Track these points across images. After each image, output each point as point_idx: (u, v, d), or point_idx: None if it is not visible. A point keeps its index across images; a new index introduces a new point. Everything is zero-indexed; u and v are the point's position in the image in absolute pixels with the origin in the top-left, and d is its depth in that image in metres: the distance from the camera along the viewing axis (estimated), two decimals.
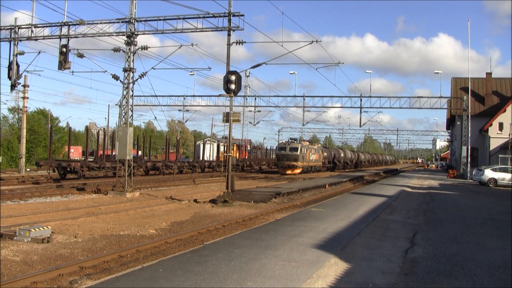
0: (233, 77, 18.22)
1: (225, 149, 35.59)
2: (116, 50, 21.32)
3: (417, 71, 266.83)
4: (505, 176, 30.56)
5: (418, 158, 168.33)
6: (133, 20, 20.32)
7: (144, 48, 21.17)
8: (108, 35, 21.45)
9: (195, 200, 18.80)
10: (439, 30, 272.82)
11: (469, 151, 40.41)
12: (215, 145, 55.92)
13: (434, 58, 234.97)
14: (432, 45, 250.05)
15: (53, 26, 21.91)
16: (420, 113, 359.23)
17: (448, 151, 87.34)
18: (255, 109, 51.28)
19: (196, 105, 46.29)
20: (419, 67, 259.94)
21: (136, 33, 20.43)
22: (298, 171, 44.33)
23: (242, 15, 18.56)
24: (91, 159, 30.96)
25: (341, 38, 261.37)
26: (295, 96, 43.10)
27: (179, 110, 46.43)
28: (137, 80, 20.94)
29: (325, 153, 56.16)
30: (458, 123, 46.53)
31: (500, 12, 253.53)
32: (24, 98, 38.25)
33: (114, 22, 20.99)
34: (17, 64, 23.47)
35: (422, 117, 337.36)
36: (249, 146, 67.29)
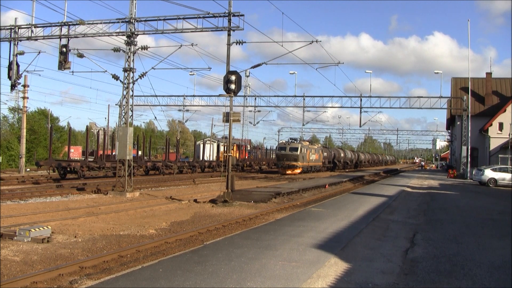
0: (233, 77, 18.21)
1: (225, 149, 35.60)
2: (116, 50, 21.32)
3: (413, 71, 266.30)
4: (505, 176, 30.55)
5: (416, 158, 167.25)
6: (133, 20, 20.31)
7: (144, 48, 21.17)
8: (108, 35, 21.46)
9: (195, 200, 18.80)
10: (434, 29, 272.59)
11: (469, 151, 40.41)
12: (215, 145, 55.92)
13: (430, 57, 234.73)
14: (428, 44, 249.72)
15: (53, 26, 21.91)
16: (418, 113, 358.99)
17: (448, 151, 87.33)
18: (255, 109, 51.33)
19: (196, 105, 46.38)
20: (415, 66, 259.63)
21: (136, 33, 20.43)
22: (298, 171, 44.33)
23: (242, 15, 18.56)
24: (91, 159, 30.96)
25: (335, 37, 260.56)
26: (295, 96, 43.14)
27: (179, 110, 46.52)
28: (137, 80, 20.95)
29: (325, 153, 56.16)
30: (458, 123, 46.54)
31: (493, 11, 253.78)
32: (24, 98, 38.25)
33: (114, 22, 20.99)
34: (17, 64, 23.47)
35: (419, 117, 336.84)
36: (249, 146, 67.32)
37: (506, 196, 23.41)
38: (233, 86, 18.18)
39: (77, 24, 21.32)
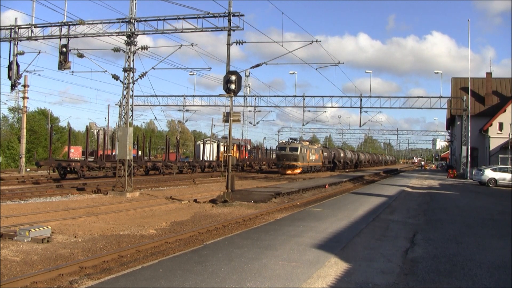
0: (233, 77, 18.21)
1: (225, 149, 35.60)
2: (116, 50, 21.32)
3: (412, 70, 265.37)
4: (505, 176, 30.55)
5: (415, 158, 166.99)
6: (133, 20, 20.31)
7: (144, 48, 21.17)
8: (108, 35, 21.47)
9: (195, 200, 18.80)
10: (432, 28, 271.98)
11: (469, 151, 40.41)
12: (215, 145, 55.92)
13: (428, 57, 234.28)
14: (426, 43, 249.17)
15: (53, 26, 21.91)
16: (417, 113, 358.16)
17: (448, 151, 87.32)
18: (255, 109, 51.30)
19: (196, 105, 46.36)
20: (413, 66, 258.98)
21: (136, 33, 20.43)
22: (298, 171, 44.33)
23: (242, 15, 18.57)
24: (91, 159, 30.95)
25: (333, 37, 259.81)
26: (295, 96, 43.13)
27: (179, 110, 46.53)
28: (137, 80, 20.95)
29: (325, 153, 56.16)
30: (458, 123, 46.55)
31: (491, 11, 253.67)
32: (24, 98, 38.26)
33: (114, 22, 21.00)
34: (17, 64, 23.47)
35: (418, 116, 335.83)
36: (249, 146, 67.32)
37: (506, 196, 23.41)
38: (233, 86, 18.18)
39: (77, 24, 21.32)
